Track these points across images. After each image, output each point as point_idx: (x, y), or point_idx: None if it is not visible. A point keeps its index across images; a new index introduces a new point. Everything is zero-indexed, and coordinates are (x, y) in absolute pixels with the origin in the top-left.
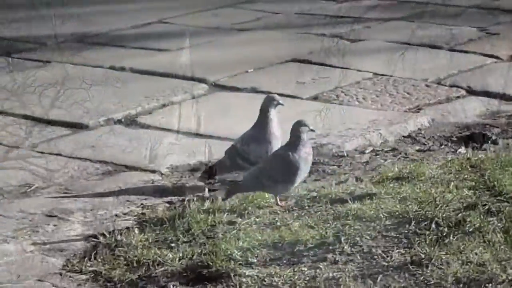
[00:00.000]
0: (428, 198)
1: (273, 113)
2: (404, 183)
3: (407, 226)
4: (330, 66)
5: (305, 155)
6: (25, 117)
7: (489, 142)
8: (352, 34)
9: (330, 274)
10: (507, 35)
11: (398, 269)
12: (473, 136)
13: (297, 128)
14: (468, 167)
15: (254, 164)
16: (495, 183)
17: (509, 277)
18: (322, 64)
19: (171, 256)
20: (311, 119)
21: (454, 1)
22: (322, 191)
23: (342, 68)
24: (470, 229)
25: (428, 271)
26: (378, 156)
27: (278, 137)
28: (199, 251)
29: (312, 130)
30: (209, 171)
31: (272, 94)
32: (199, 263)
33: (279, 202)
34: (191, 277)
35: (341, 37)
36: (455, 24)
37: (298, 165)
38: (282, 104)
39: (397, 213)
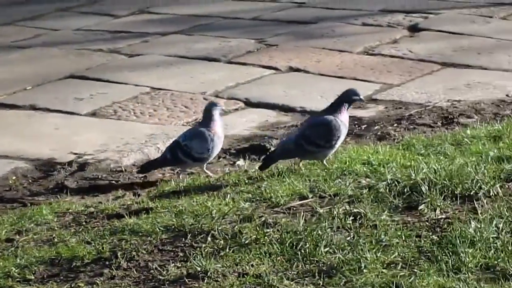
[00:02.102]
0: (205, 211)
1: (217, 115)
2: (180, 196)
3: (183, 239)
4: (108, 81)
5: (345, 121)
6: None
7: (268, 153)
8: (130, 49)
9: None
10: (285, 46)
11: (174, 282)
12: (251, 148)
13: (345, 97)
14: (245, 179)
15: (196, 159)
16: (272, 194)
17: None
18: (99, 80)
19: None
20: (90, 136)
21: (232, 13)
22: (100, 207)
23: (119, 83)
24: (247, 241)
25: (204, 284)
26: (156, 170)
27: (221, 136)
28: None
29: (361, 100)
30: (147, 166)
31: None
32: None
33: (326, 164)
34: None
35: (119, 52)
36: (233, 36)
37: (341, 131)
38: (223, 110)
39: (173, 226)
